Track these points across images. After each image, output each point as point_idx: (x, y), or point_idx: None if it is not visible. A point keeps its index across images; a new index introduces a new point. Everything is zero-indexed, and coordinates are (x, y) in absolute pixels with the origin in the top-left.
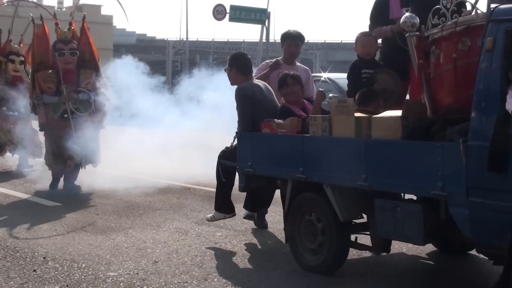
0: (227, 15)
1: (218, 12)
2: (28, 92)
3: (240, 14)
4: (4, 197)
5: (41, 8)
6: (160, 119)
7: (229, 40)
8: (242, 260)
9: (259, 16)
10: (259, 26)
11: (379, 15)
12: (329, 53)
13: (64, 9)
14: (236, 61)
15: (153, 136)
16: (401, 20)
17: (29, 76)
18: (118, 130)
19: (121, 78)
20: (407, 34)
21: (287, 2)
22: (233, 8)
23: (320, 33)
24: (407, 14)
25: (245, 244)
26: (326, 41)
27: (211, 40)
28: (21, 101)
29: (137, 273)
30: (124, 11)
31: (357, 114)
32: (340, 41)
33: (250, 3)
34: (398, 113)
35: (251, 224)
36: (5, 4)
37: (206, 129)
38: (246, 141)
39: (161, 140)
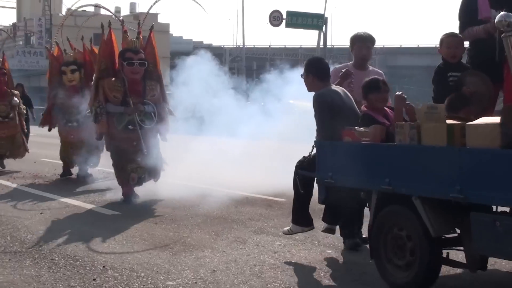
0: (284, 21)
1: (275, 18)
2: (86, 100)
3: (297, 20)
4: (63, 206)
5: (99, 17)
6: (235, 127)
7: (286, 46)
8: (301, 270)
9: (316, 21)
10: (316, 32)
11: (467, 16)
12: (389, 58)
13: (121, 17)
14: (313, 67)
15: (230, 145)
16: (496, 19)
17: (92, 83)
18: (193, 139)
19: (196, 78)
20: (502, 35)
21: (344, 7)
22: (290, 14)
23: (379, 37)
24: (502, 13)
25: (304, 254)
26: (385, 46)
27: (268, 46)
28: (79, 110)
29: (195, 282)
30: (201, 6)
31: (449, 121)
32: (399, 46)
33: (307, 8)
34: (495, 119)
35: (309, 233)
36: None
37: (284, 138)
38: (326, 150)
39: (238, 150)
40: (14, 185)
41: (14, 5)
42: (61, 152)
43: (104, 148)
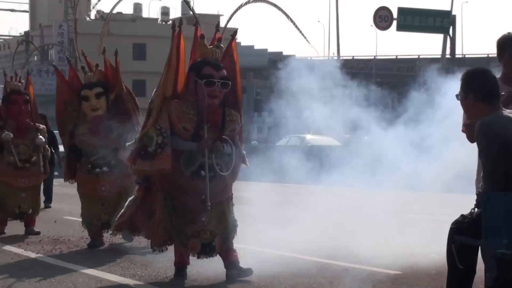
0: (394, 22)
1: (382, 19)
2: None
3: (413, 20)
4: (94, 282)
5: (140, 23)
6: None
7: (398, 56)
8: None
9: (440, 22)
10: (439, 36)
11: None
12: None
13: (169, 22)
14: (474, 83)
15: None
16: None
17: (149, 102)
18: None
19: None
20: None
21: (479, 2)
22: (403, 12)
23: None
24: None
25: None
26: None
27: (373, 57)
28: (108, 151)
29: None
30: (304, 37)
31: None
32: None
33: (427, 4)
34: None
35: None
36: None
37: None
38: (499, 206)
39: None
40: (29, 254)
41: (27, 8)
42: (85, 212)
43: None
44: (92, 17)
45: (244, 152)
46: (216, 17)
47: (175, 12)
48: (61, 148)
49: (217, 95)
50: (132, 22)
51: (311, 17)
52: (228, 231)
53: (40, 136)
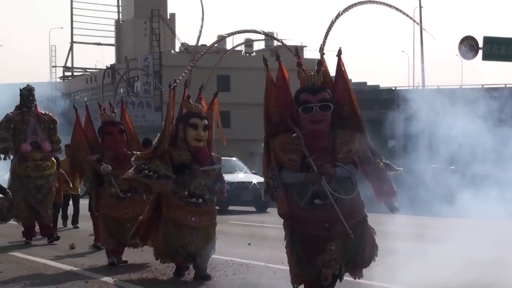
0: (480, 51)
1: (468, 49)
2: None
3: (499, 49)
4: None
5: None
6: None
7: (484, 85)
8: None
9: None
10: None
11: None
12: None
13: (254, 53)
14: None
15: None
16: None
17: (263, 145)
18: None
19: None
20: None
21: None
22: (489, 41)
23: None
24: None
25: None
26: None
27: (459, 86)
28: (207, 183)
29: None
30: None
31: None
32: None
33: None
34: None
35: None
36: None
37: None
38: None
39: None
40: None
41: (113, 41)
42: (171, 239)
43: None
44: (177, 49)
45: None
46: (300, 48)
47: (259, 45)
48: None
49: (320, 119)
50: (216, 54)
51: (395, 48)
52: (355, 259)
53: None
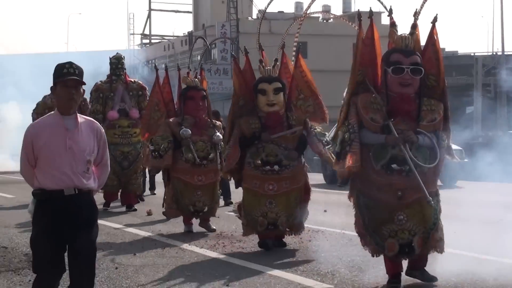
0: None
1: None
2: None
3: None
4: (257, 276)
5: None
6: None
7: None
8: None
9: None
10: None
11: None
12: None
13: (331, 20)
14: None
15: None
16: None
17: (344, 96)
18: None
19: None
20: None
21: None
22: None
23: None
24: None
25: None
26: None
27: None
28: (280, 149)
29: None
30: None
31: None
32: None
33: None
34: None
35: None
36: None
37: None
38: None
39: None
40: (198, 250)
41: (190, 9)
42: (249, 209)
43: None
44: (254, 16)
45: (452, 144)
46: (378, 15)
47: (336, 11)
48: None
49: (409, 83)
50: (293, 21)
51: (474, 13)
52: (428, 231)
53: (218, 133)
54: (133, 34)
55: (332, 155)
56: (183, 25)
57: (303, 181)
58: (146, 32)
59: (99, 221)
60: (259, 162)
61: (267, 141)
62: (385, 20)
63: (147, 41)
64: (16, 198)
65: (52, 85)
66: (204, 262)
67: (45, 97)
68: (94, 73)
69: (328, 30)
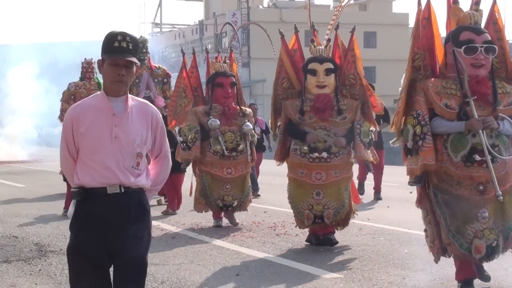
0: None
1: None
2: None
3: None
4: (267, 266)
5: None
6: None
7: None
8: None
9: None
10: None
11: None
12: None
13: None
14: None
15: None
16: None
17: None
18: None
19: None
20: None
21: None
22: None
23: None
24: None
25: None
26: None
27: None
28: (329, 135)
29: None
30: None
31: None
32: None
33: None
34: None
35: None
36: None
37: None
38: None
39: None
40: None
41: None
42: (296, 200)
43: None
44: (265, 5)
45: None
46: (388, 4)
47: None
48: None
49: (482, 63)
50: (304, 9)
51: None
52: (507, 230)
53: (247, 122)
54: (144, 22)
55: (369, 155)
56: (193, 13)
57: (352, 171)
58: (157, 21)
59: None
60: (306, 148)
61: (313, 126)
62: (396, 8)
63: (158, 30)
64: (26, 188)
65: (100, 58)
66: (214, 251)
67: (70, 84)
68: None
69: (339, 18)
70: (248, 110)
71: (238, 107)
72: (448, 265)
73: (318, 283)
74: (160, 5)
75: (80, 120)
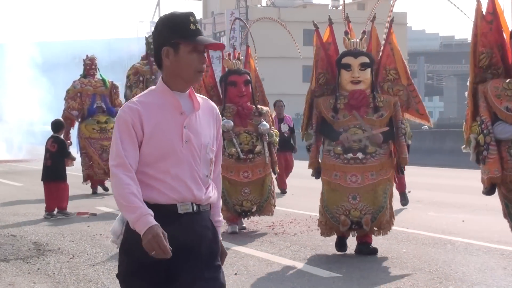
0: None
1: None
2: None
3: None
4: (266, 265)
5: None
6: None
7: None
8: None
9: None
10: None
11: None
12: None
13: (340, 7)
14: None
15: None
16: None
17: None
18: None
19: None
20: None
21: None
22: None
23: None
24: None
25: None
26: None
27: None
28: (365, 134)
29: None
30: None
31: None
32: None
33: None
34: None
35: None
36: None
37: None
38: None
39: None
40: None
41: None
42: (329, 205)
43: None
44: (263, 4)
45: None
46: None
47: None
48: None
49: None
50: (302, 9)
51: None
52: None
53: (264, 122)
54: (143, 22)
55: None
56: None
57: (392, 171)
58: (156, 20)
59: (105, 209)
60: (340, 149)
61: (347, 143)
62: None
63: None
64: (24, 187)
65: (167, 46)
66: None
67: (74, 81)
68: (109, 61)
69: (337, 16)
70: (265, 108)
71: (253, 106)
72: (446, 264)
73: (317, 282)
74: (158, 4)
75: (144, 121)
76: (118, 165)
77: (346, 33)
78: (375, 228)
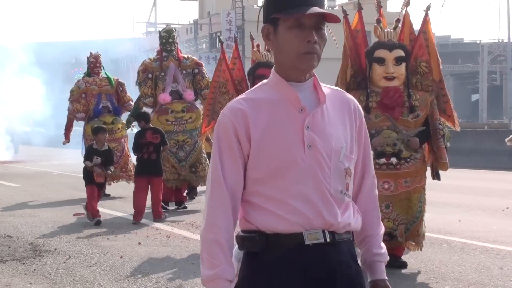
0: None
1: None
2: None
3: None
4: None
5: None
6: None
7: None
8: None
9: None
10: None
11: None
12: None
13: (336, 7)
14: None
15: None
16: None
17: None
18: None
19: None
20: None
21: None
22: None
23: None
24: None
25: None
26: None
27: None
28: (400, 136)
29: None
30: None
31: None
32: None
33: None
34: None
35: None
36: None
37: None
38: None
39: None
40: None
41: None
42: None
43: None
44: (260, 4)
45: None
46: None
47: None
48: None
49: None
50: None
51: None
52: None
53: None
54: (139, 22)
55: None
56: (188, 13)
57: (426, 178)
58: (152, 20)
59: (100, 210)
60: (372, 153)
61: (378, 146)
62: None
63: (153, 29)
64: (21, 188)
65: (266, 23)
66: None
67: (78, 81)
68: (105, 61)
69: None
70: None
71: None
72: (442, 264)
73: None
74: (154, 4)
75: (251, 125)
76: (213, 189)
77: (378, 21)
78: (412, 242)
